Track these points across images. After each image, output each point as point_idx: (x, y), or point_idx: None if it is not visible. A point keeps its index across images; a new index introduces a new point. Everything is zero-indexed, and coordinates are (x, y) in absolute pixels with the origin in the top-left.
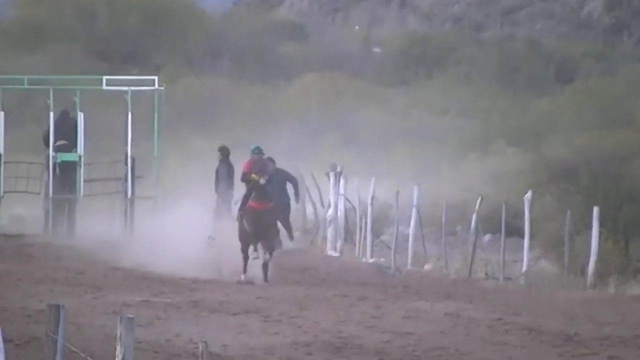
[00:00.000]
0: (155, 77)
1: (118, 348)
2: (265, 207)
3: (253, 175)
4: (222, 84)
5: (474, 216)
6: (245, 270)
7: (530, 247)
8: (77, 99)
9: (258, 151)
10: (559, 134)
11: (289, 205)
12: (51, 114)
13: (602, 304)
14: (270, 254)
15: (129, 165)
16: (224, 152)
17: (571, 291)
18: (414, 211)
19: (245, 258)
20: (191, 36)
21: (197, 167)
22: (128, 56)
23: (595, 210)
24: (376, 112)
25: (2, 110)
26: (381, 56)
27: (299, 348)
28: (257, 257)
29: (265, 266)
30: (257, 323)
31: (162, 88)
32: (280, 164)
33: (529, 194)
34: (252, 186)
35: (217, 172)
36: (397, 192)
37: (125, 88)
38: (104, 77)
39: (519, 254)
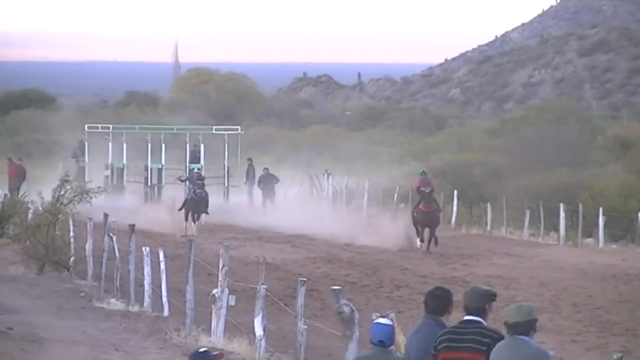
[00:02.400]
0: (239, 127)
1: (220, 261)
2: (430, 208)
3: (422, 189)
4: (271, 130)
5: (395, 196)
6: (420, 239)
7: None
8: (200, 138)
9: (424, 173)
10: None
11: (275, 194)
12: (187, 146)
13: (461, 238)
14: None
15: (226, 170)
16: (250, 161)
17: (445, 232)
18: (366, 194)
19: (417, 234)
20: (257, 106)
21: (258, 171)
22: (227, 116)
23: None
24: (348, 143)
25: (164, 143)
26: (350, 116)
27: (309, 260)
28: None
29: (429, 242)
30: (289, 248)
31: (242, 132)
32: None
33: None
34: (422, 196)
35: (246, 172)
36: (357, 183)
37: (223, 132)
38: (213, 127)
39: None
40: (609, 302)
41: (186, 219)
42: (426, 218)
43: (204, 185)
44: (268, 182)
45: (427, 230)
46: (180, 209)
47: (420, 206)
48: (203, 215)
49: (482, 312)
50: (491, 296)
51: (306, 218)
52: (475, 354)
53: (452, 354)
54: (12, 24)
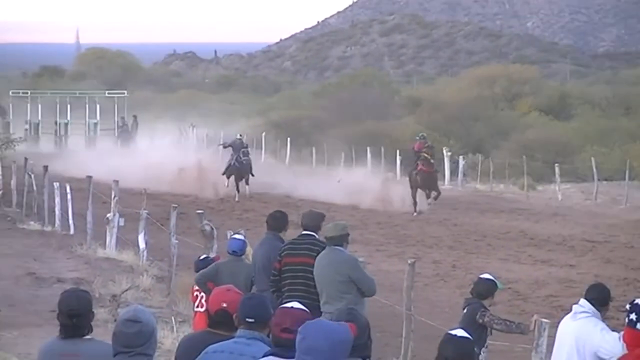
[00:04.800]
0: (125, 92)
1: (112, 192)
2: (431, 169)
3: (424, 153)
4: (150, 94)
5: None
6: (415, 206)
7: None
8: (97, 100)
9: (423, 137)
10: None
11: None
12: (87, 106)
13: (291, 173)
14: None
15: (116, 124)
16: (134, 117)
17: (281, 168)
18: (221, 141)
19: (414, 200)
20: (139, 75)
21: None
22: (117, 83)
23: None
24: (208, 103)
25: (69, 104)
26: (209, 83)
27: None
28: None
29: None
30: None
31: (127, 95)
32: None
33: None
34: (418, 157)
35: (131, 125)
36: (215, 133)
37: (114, 96)
38: (106, 92)
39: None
40: (404, 220)
41: (228, 184)
42: (427, 179)
43: (248, 152)
44: (126, 132)
45: (418, 192)
46: (223, 174)
47: (421, 167)
48: (247, 185)
49: (316, 229)
50: (322, 216)
51: (180, 157)
52: (308, 258)
53: (292, 259)
54: None
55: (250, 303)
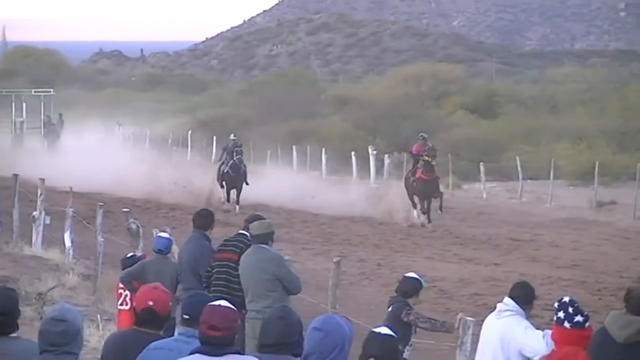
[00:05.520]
0: (51, 90)
1: (39, 190)
2: (431, 176)
3: (425, 157)
4: (76, 92)
5: (170, 140)
6: (415, 209)
7: None
8: (23, 98)
9: (423, 138)
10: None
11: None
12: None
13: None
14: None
15: (42, 122)
16: (60, 115)
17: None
18: (147, 139)
19: (414, 205)
20: (65, 73)
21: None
22: (44, 82)
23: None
24: (135, 102)
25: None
26: (135, 81)
27: (108, 189)
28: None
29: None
30: (94, 180)
31: (54, 94)
32: None
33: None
34: (418, 162)
35: (56, 122)
36: (141, 131)
37: (40, 94)
38: (32, 90)
39: None
40: (331, 218)
41: (227, 196)
42: (427, 186)
43: (241, 151)
44: (52, 131)
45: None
46: (218, 180)
47: (420, 174)
48: (239, 195)
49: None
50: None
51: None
52: (233, 255)
53: (222, 254)
54: None
55: (190, 300)
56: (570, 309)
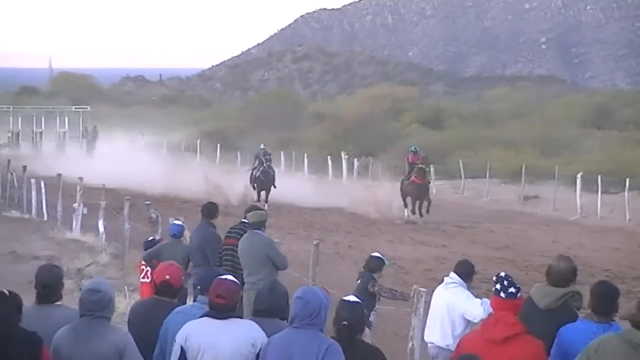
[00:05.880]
0: (88, 107)
1: (77, 187)
2: (424, 181)
3: (419, 164)
4: (107, 109)
5: (182, 147)
6: (406, 210)
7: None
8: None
9: (416, 150)
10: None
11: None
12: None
13: (220, 171)
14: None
15: (81, 133)
16: (95, 127)
17: (212, 168)
18: (165, 146)
19: (406, 205)
20: (99, 94)
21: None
22: (82, 101)
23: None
24: (155, 117)
25: (43, 117)
26: (155, 100)
27: (133, 186)
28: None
29: (420, 210)
30: (123, 179)
31: (90, 110)
32: None
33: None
34: (412, 169)
35: (91, 133)
36: (161, 140)
37: (79, 110)
38: (73, 107)
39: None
40: (311, 209)
41: (257, 197)
42: (419, 190)
43: (270, 160)
44: (89, 140)
45: (413, 201)
46: (251, 183)
47: (413, 178)
48: (267, 196)
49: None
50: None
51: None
52: (236, 240)
53: (228, 240)
54: None
55: (200, 275)
56: (505, 282)
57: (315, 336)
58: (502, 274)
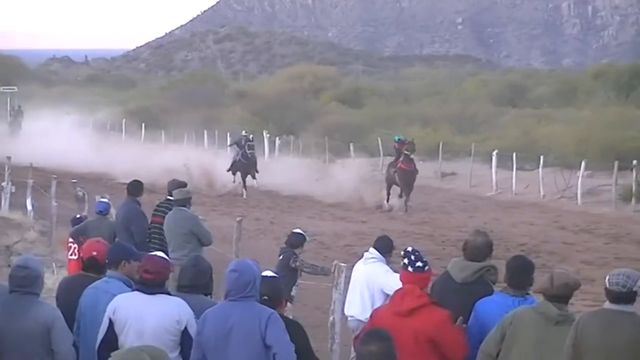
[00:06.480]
0: (15, 87)
1: (6, 166)
2: (410, 167)
3: (406, 151)
4: (34, 89)
5: (108, 126)
6: (388, 200)
7: None
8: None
9: (400, 140)
10: (132, 102)
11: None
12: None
13: (145, 148)
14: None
15: (8, 112)
16: (19, 107)
17: (136, 146)
18: (91, 125)
19: (388, 194)
20: (25, 75)
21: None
22: (8, 82)
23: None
24: (80, 96)
25: None
26: (81, 80)
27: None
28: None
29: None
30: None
31: (17, 90)
32: None
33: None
34: (398, 156)
35: (15, 113)
36: (86, 118)
37: (7, 91)
38: (1, 87)
39: None
40: (233, 187)
41: (234, 180)
42: (406, 176)
43: (253, 146)
44: (14, 121)
45: (394, 189)
46: (229, 170)
47: (400, 164)
48: (255, 179)
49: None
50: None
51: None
52: (162, 218)
53: (155, 218)
54: None
55: (110, 249)
56: (413, 257)
57: (254, 307)
58: (409, 248)
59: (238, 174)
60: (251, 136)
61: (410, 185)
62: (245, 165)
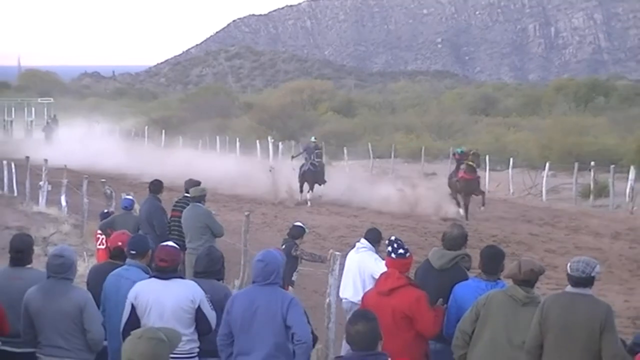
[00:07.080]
0: (51, 99)
1: (43, 168)
2: (473, 176)
3: (470, 162)
4: (68, 101)
5: (132, 133)
6: (459, 206)
7: None
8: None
9: (462, 152)
10: (155, 112)
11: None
12: (46, 110)
13: (164, 152)
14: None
15: (46, 121)
16: (55, 116)
17: (156, 150)
18: (117, 133)
19: (457, 203)
20: (60, 88)
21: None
22: (46, 93)
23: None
24: (110, 107)
25: (13, 107)
26: (109, 92)
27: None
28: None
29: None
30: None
31: (53, 102)
32: None
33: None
34: (459, 165)
35: (51, 121)
36: (114, 127)
37: (44, 102)
38: (39, 99)
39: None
40: (242, 187)
41: (301, 190)
42: (468, 185)
43: (321, 154)
44: (49, 128)
45: (463, 197)
46: (299, 180)
47: (463, 174)
48: (322, 186)
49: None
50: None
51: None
52: (180, 212)
53: (174, 213)
54: None
55: (132, 240)
56: (395, 245)
57: (277, 292)
58: (393, 237)
59: (306, 184)
60: (320, 144)
61: (471, 194)
62: (314, 173)
